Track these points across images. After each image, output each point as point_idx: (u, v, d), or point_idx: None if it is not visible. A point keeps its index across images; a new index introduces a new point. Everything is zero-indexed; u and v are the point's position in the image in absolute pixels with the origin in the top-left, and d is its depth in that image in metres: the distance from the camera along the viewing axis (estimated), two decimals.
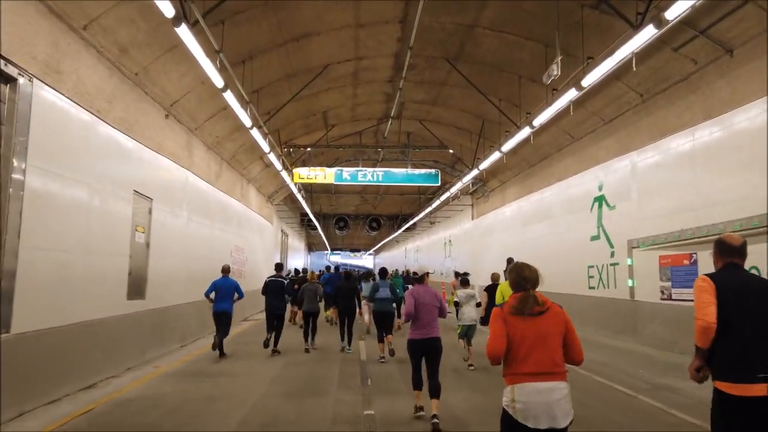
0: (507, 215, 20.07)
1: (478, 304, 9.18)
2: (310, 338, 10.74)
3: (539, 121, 11.17)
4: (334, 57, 12.21)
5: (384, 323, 9.64)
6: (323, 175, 18.43)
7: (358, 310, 10.81)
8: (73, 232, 6.99)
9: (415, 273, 6.47)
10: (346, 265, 79.33)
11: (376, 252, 72.85)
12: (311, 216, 29.17)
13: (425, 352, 5.85)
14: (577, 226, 13.94)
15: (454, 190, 20.06)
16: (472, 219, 25.40)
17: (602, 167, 12.81)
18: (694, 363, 3.14)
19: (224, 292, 9.99)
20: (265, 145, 12.75)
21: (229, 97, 9.37)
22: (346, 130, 17.74)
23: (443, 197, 22.24)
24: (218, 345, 9.61)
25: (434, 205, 24.59)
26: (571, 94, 9.52)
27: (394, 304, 10.02)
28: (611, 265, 12.25)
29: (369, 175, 18.53)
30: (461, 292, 9.28)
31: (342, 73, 13.23)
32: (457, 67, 12.49)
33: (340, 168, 18.35)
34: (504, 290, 8.17)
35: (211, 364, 9.07)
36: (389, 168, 18.87)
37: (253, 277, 17.87)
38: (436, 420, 5.40)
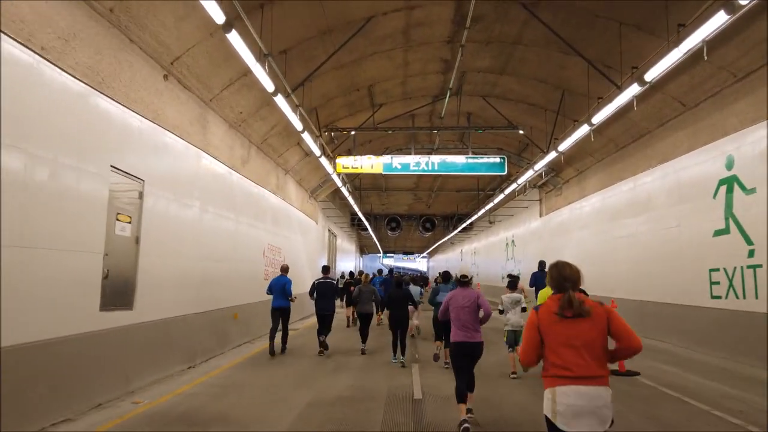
0: (586, 210, 17.00)
1: (524, 309, 8.44)
2: (364, 343, 10.62)
3: (655, 74, 8.27)
4: (379, 5, 9.74)
5: (444, 328, 8.67)
6: (370, 164, 15.98)
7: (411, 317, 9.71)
8: None
9: (464, 276, 6.11)
10: (399, 268, 77.35)
11: (430, 255, 70.07)
12: (360, 215, 26.83)
13: (466, 354, 5.69)
14: (693, 218, 10.85)
15: (522, 180, 17.18)
16: (541, 216, 22.35)
17: (733, 139, 9.70)
18: None
19: (278, 290, 10.34)
20: (295, 120, 10.41)
21: (235, 39, 7.05)
22: (396, 110, 15.21)
23: (508, 190, 19.36)
24: (281, 344, 10.22)
25: (497, 200, 21.72)
26: (715, 23, 6.64)
27: None
28: (750, 267, 9.14)
29: (423, 164, 15.93)
30: (506, 297, 8.63)
31: (389, 30, 10.74)
32: (537, 14, 9.72)
33: (389, 155, 15.87)
34: (545, 295, 7.41)
35: (213, 398, 6.75)
36: (446, 156, 16.18)
37: (294, 280, 15.51)
38: (471, 415, 5.51)
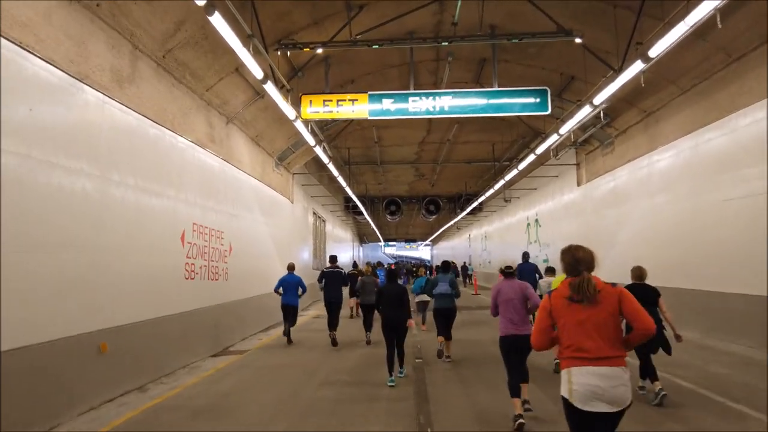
0: (660, 166, 11.98)
1: None
2: (368, 332, 10.82)
3: None
4: None
5: (444, 321, 8.65)
6: (351, 109, 10.96)
7: (409, 321, 7.54)
8: None
9: (509, 267, 6.08)
10: (401, 257, 72.49)
11: (434, 242, 65.10)
12: (350, 192, 21.77)
13: (517, 348, 5.56)
14: None
15: (569, 125, 12.03)
16: (579, 185, 17.35)
17: None
18: None
19: (289, 287, 10.74)
20: None
21: None
22: (385, 14, 10.02)
23: (541, 148, 14.30)
24: (286, 333, 10.62)
25: (524, 164, 16.58)
26: None
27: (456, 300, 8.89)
28: None
29: (427, 106, 10.90)
30: (543, 282, 8.45)
31: None
32: None
33: (377, 93, 10.83)
34: (559, 282, 6.33)
35: None
36: (460, 92, 11.10)
37: (259, 274, 10.48)
38: (528, 406, 5.42)
